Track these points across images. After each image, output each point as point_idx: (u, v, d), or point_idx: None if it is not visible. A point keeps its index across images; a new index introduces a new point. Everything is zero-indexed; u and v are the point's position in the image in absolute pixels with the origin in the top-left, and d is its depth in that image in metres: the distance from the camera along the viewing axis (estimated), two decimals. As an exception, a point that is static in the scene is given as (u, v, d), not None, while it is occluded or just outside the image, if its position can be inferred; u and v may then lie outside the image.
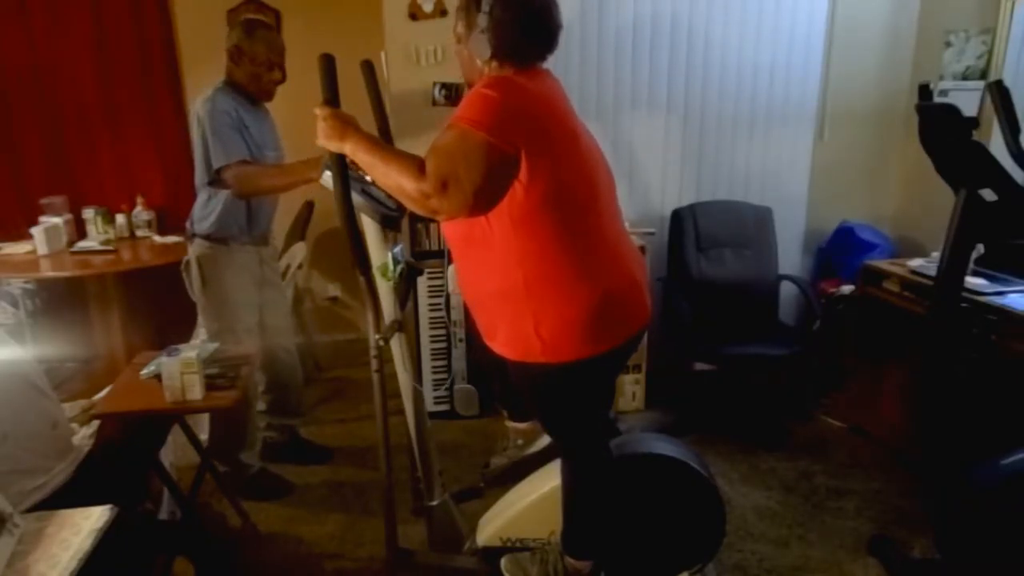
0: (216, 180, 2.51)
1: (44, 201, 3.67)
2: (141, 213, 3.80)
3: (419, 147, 1.62)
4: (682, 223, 3.37)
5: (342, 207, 1.67)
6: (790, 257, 3.67)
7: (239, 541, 2.51)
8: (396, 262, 1.96)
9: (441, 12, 3.12)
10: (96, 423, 2.05)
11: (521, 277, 1.64)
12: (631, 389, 3.41)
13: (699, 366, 3.51)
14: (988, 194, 2.09)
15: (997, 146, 2.25)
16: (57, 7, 3.66)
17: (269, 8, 3.87)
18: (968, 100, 3.11)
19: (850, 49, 3.53)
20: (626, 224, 1.93)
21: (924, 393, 2.52)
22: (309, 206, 3.80)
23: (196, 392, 2.04)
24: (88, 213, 3.72)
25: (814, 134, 3.64)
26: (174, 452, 2.50)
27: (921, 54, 3.52)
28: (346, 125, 1.60)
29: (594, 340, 1.67)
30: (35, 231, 3.45)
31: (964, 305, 2.45)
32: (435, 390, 3.38)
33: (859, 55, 3.56)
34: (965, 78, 3.24)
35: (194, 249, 2.62)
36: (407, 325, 2.16)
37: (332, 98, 1.60)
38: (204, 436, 2.63)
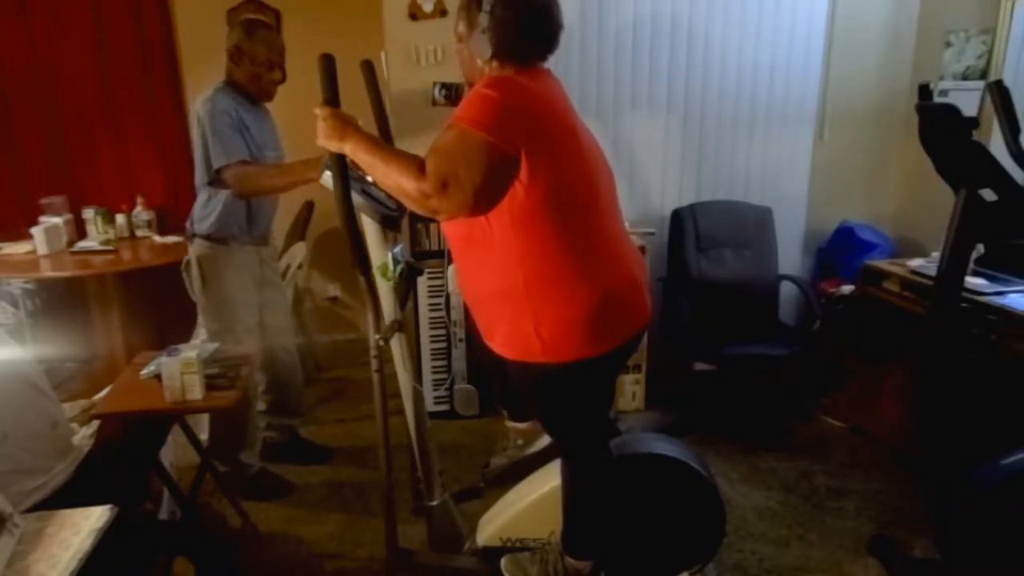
0: (216, 180, 2.51)
1: (44, 201, 3.67)
2: (141, 213, 3.80)
3: (419, 147, 1.62)
4: (682, 223, 3.38)
5: (342, 207, 1.67)
6: (790, 257, 3.67)
7: (239, 541, 2.51)
8: (396, 262, 1.96)
9: (441, 12, 3.13)
10: (96, 423, 2.05)
11: (521, 277, 1.64)
12: (631, 389, 3.42)
13: (699, 366, 3.51)
14: (988, 194, 2.09)
15: (997, 146, 2.25)
16: (57, 7, 3.66)
17: (269, 8, 3.87)
18: (968, 100, 3.11)
19: (850, 49, 3.53)
20: (626, 224, 1.93)
21: (924, 393, 2.52)
22: (309, 206, 3.80)
23: (196, 392, 2.04)
24: (88, 213, 3.72)
25: (814, 134, 3.64)
26: (174, 452, 2.50)
27: (921, 54, 3.52)
28: (346, 125, 1.60)
29: (594, 340, 1.67)
30: (35, 231, 3.45)
31: (964, 305, 2.45)
32: (435, 390, 3.38)
33: (859, 55, 3.56)
34: (965, 78, 3.24)
35: (194, 249, 2.62)
36: (407, 325, 2.16)
37: (332, 98, 1.60)
38: (204, 436, 2.63)
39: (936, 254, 2.43)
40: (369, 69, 2.04)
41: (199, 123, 2.49)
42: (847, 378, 3.34)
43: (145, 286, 3.52)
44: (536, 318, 1.66)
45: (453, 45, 1.78)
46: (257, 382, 2.82)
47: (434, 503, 2.14)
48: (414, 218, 3.15)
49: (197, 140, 2.52)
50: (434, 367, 3.37)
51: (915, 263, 2.98)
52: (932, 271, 2.55)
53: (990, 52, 3.11)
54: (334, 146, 1.61)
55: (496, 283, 1.68)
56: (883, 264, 3.11)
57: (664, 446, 2.13)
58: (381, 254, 1.93)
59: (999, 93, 2.07)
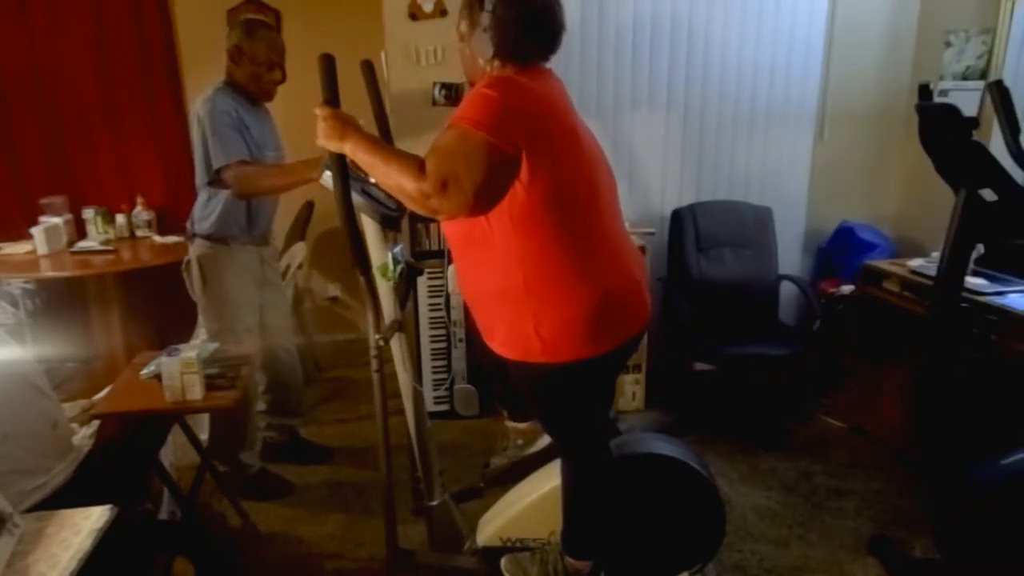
0: (216, 180, 2.51)
1: (44, 201, 3.67)
2: (141, 213, 3.80)
3: (419, 147, 1.62)
4: (682, 223, 3.38)
5: (342, 207, 1.67)
6: (790, 257, 3.67)
7: (239, 541, 2.51)
8: (396, 262, 1.96)
9: (441, 12, 3.12)
10: (96, 423, 2.05)
11: (521, 277, 1.64)
12: (631, 389, 3.42)
13: (699, 366, 3.51)
14: (988, 194, 2.09)
15: (997, 146, 2.25)
16: (57, 7, 3.66)
17: (269, 8, 3.87)
18: (968, 100, 3.11)
19: (850, 49, 3.53)
20: (626, 224, 1.93)
21: (924, 393, 2.52)
22: (309, 206, 3.80)
23: (196, 392, 2.04)
24: (88, 213, 3.72)
25: (814, 134, 3.64)
26: (174, 452, 2.50)
27: (921, 54, 3.52)
28: (346, 125, 1.60)
29: (594, 340, 1.67)
30: (35, 231, 3.45)
31: (964, 305, 2.45)
32: (435, 390, 3.38)
33: (859, 55, 3.56)
34: (965, 78, 3.24)
35: (194, 249, 2.62)
36: (407, 325, 2.16)
37: (332, 98, 1.60)
38: (204, 436, 2.63)
39: (936, 254, 2.43)
40: (369, 69, 2.04)
41: (199, 123, 2.49)
42: (847, 378, 3.34)
43: (145, 286, 3.52)
44: (536, 318, 1.65)
45: (455, 44, 1.78)
46: (257, 382, 2.82)
47: (434, 503, 2.14)
48: (414, 218, 3.15)
49: (197, 140, 2.52)
50: (434, 367, 3.37)
51: (915, 263, 2.98)
52: (932, 271, 2.55)
53: (990, 52, 3.11)
54: (334, 146, 1.61)
55: (496, 283, 1.68)
56: (883, 264, 3.11)
57: (664, 446, 2.13)
58: (381, 254, 1.93)
59: (999, 93, 2.07)
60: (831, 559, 2.40)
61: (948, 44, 3.31)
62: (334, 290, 4.35)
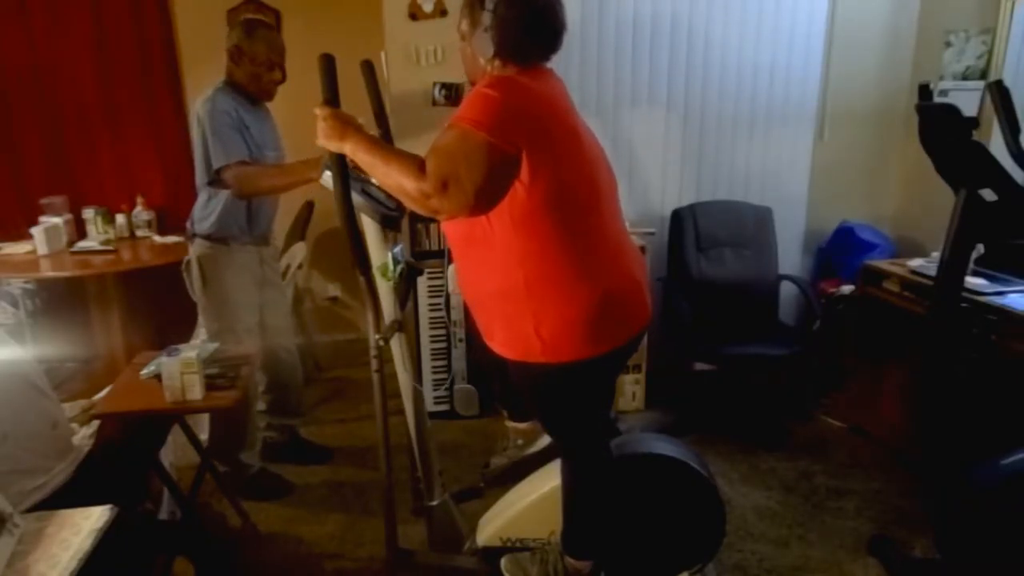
0: (216, 180, 2.51)
1: (44, 201, 3.67)
2: (141, 213, 3.80)
3: (419, 147, 1.62)
4: (682, 223, 3.38)
5: (342, 207, 1.67)
6: (790, 257, 3.67)
7: (239, 541, 2.51)
8: (396, 262, 1.96)
9: (441, 12, 3.12)
10: (96, 423, 2.05)
11: (522, 277, 1.64)
12: (631, 389, 3.41)
13: (699, 366, 3.51)
14: (988, 194, 2.09)
15: (997, 146, 2.25)
16: (57, 7, 3.66)
17: (269, 8, 3.87)
18: (968, 100, 3.11)
19: (850, 49, 3.53)
20: (626, 224, 1.92)
21: (924, 393, 2.52)
22: (309, 206, 3.80)
23: (196, 392, 2.04)
24: (88, 213, 3.72)
25: (814, 134, 3.64)
26: (174, 452, 2.50)
27: (921, 54, 3.52)
28: (346, 125, 1.60)
29: (594, 340, 1.67)
30: (35, 231, 3.45)
31: (964, 305, 2.45)
32: (435, 390, 3.38)
33: (859, 55, 3.56)
34: (965, 78, 3.24)
35: (195, 249, 2.62)
36: (407, 325, 2.16)
37: (332, 98, 1.60)
38: (204, 436, 2.63)
39: (936, 254, 2.43)
40: (369, 69, 2.04)
41: (199, 123, 2.49)
42: (847, 378, 3.34)
43: (145, 286, 3.52)
44: (536, 318, 1.65)
45: (456, 43, 1.78)
46: (257, 382, 2.82)
47: (434, 503, 2.14)
48: (414, 218, 3.15)
49: (197, 140, 2.52)
50: (434, 367, 3.37)
51: (915, 263, 2.98)
52: (932, 271, 2.55)
53: (990, 52, 3.11)
54: (334, 146, 1.61)
55: (496, 283, 1.68)
56: (883, 264, 3.11)
57: (664, 446, 2.13)
58: (381, 254, 1.93)
59: (999, 93, 2.07)
60: (831, 559, 2.40)
61: (948, 44, 3.31)
62: (334, 290, 4.35)
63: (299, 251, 3.69)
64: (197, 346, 2.28)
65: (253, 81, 2.55)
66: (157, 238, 3.74)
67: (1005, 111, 2.06)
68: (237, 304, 2.62)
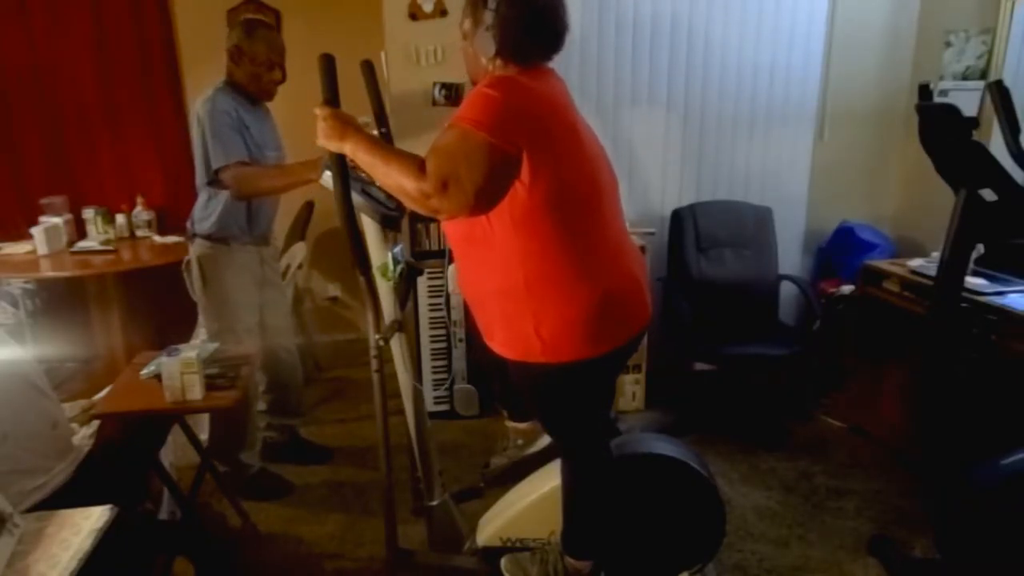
0: (216, 180, 2.51)
1: (44, 201, 3.67)
2: (141, 213, 3.80)
3: (419, 147, 1.62)
4: (682, 223, 3.38)
5: (342, 207, 1.67)
6: (790, 257, 3.67)
7: (239, 541, 2.51)
8: (396, 262, 1.97)
9: (441, 12, 3.12)
10: (96, 423, 2.05)
11: (522, 277, 1.64)
12: (631, 389, 3.41)
13: (699, 366, 3.51)
14: (988, 194, 2.09)
15: (997, 146, 2.25)
16: (57, 7, 3.66)
17: (269, 8, 3.87)
18: (968, 100, 3.11)
19: (850, 49, 3.53)
20: (626, 224, 1.92)
21: (924, 393, 2.52)
22: (309, 206, 3.80)
23: (196, 392, 2.04)
24: (88, 213, 3.72)
25: (814, 134, 3.64)
26: (174, 452, 2.50)
27: (921, 54, 3.52)
28: (346, 125, 1.60)
29: (595, 340, 1.67)
30: (35, 231, 3.45)
31: (964, 305, 2.45)
32: (435, 390, 3.38)
33: (859, 55, 3.56)
34: (965, 78, 3.24)
35: (195, 249, 2.62)
36: (407, 325, 2.16)
37: (332, 98, 1.60)
38: (204, 436, 2.63)
39: (936, 254, 2.43)
40: (369, 69, 2.04)
41: (199, 123, 2.49)
42: (847, 378, 3.34)
43: (145, 286, 3.52)
44: (536, 318, 1.65)
45: (458, 43, 1.78)
46: (257, 382, 2.82)
47: (434, 503, 2.14)
48: (414, 218, 3.15)
49: (197, 140, 2.52)
50: (434, 367, 3.37)
51: (915, 263, 2.98)
52: (932, 271, 2.55)
53: (990, 52, 3.11)
54: (334, 146, 1.61)
55: (497, 283, 1.68)
56: (883, 264, 3.11)
57: (664, 446, 2.13)
58: (381, 254, 1.93)
59: (999, 93, 2.07)
60: (831, 559, 2.40)
61: (948, 44, 3.31)
62: (334, 290, 4.35)
63: (299, 251, 3.69)
64: (197, 346, 2.28)
65: (253, 81, 2.55)
66: (157, 238, 3.74)
67: (1005, 111, 2.06)
68: (237, 304, 2.62)
